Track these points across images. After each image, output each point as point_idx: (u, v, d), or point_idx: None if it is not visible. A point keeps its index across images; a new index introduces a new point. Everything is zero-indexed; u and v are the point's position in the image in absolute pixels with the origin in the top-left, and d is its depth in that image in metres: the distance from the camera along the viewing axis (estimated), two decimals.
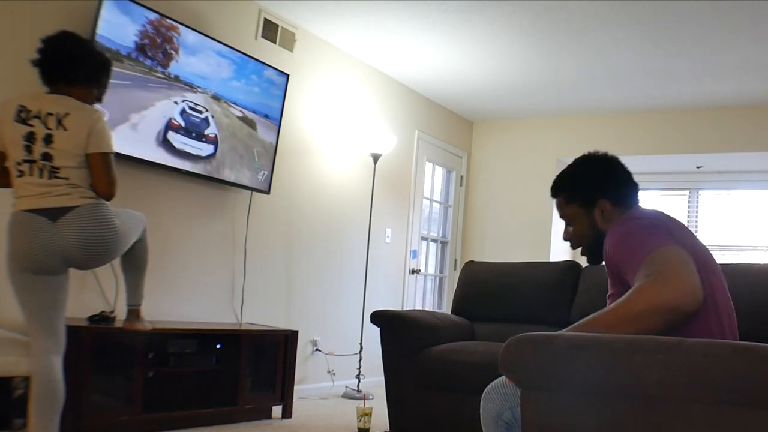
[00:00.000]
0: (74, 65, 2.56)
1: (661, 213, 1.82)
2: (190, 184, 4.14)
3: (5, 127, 2.50)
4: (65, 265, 2.55)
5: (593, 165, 1.95)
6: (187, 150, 3.93)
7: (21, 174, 2.49)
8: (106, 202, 2.59)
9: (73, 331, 3.10)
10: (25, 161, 2.48)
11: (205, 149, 4.06)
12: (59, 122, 2.48)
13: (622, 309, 1.55)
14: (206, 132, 4.05)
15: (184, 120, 3.90)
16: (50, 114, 2.49)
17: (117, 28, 3.54)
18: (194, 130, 3.97)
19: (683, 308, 1.51)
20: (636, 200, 1.93)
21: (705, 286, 1.59)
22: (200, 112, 4.01)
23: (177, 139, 3.87)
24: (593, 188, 1.90)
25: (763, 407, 1.21)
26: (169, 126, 3.83)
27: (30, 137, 2.47)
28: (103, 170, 2.52)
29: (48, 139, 2.47)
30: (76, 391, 3.08)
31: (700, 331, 1.60)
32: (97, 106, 2.67)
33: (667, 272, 1.54)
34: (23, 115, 2.49)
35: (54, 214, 2.47)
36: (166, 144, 3.82)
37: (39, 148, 2.47)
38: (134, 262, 2.87)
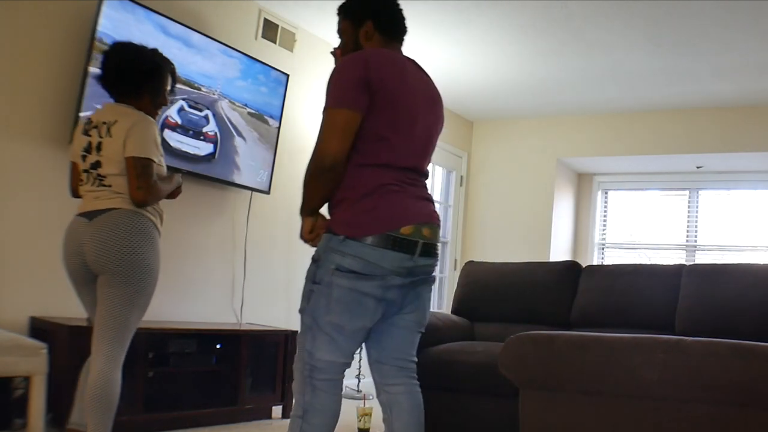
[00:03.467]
0: (120, 77, 2.60)
1: (378, 56, 2.05)
2: (190, 184, 4.13)
3: (75, 141, 2.63)
4: (86, 269, 2.51)
5: None
6: (184, 149, 3.93)
7: (82, 182, 2.61)
8: (148, 218, 2.54)
9: (73, 331, 3.11)
10: (84, 171, 2.58)
11: (204, 148, 4.05)
12: (108, 130, 2.53)
13: (306, 174, 2.02)
14: (205, 130, 4.04)
15: (181, 118, 3.90)
16: (104, 123, 2.55)
17: (118, 28, 3.54)
18: (192, 128, 3.97)
19: (323, 169, 1.97)
20: (398, 36, 2.22)
21: (380, 142, 2.00)
22: (200, 110, 4.01)
23: (173, 138, 3.87)
24: (364, 9, 2.18)
25: (763, 407, 1.21)
26: (165, 124, 3.83)
27: (88, 147, 2.56)
28: (134, 174, 2.47)
29: (99, 147, 2.53)
30: (76, 391, 3.08)
31: (365, 175, 2.01)
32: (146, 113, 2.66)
33: (319, 138, 1.98)
34: (86, 127, 2.60)
35: (93, 215, 2.51)
36: (161, 142, 3.81)
37: (92, 156, 2.54)
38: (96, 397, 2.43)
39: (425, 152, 2.20)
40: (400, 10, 2.23)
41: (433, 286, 2.23)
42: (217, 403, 3.72)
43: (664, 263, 4.72)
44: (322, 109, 2.01)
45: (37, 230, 3.40)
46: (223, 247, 4.40)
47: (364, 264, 1.95)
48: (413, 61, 2.19)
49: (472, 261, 4.46)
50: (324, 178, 1.99)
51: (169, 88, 2.75)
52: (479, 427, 3.36)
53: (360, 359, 5.16)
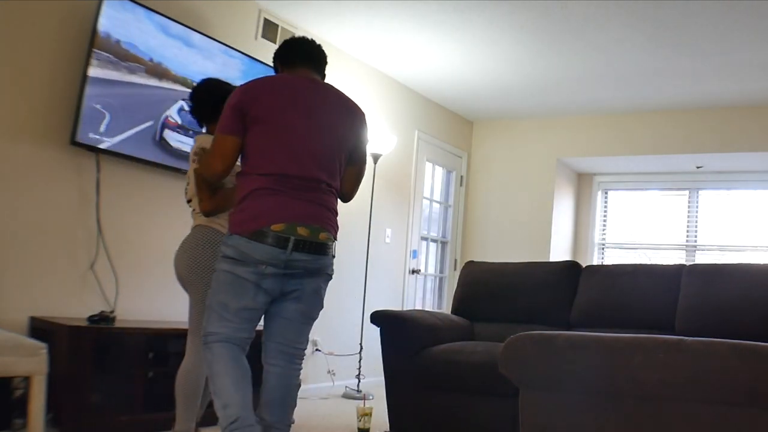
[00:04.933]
0: (205, 101, 2.95)
1: (256, 82, 2.42)
2: None
3: None
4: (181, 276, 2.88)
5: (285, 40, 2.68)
6: (184, 149, 3.93)
7: None
8: (218, 230, 2.77)
9: (73, 331, 3.11)
10: None
11: None
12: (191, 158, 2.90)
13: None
14: (205, 130, 4.04)
15: (181, 118, 3.90)
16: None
17: (118, 28, 3.54)
18: (192, 128, 3.97)
19: (207, 180, 2.57)
20: (296, 61, 2.58)
21: (258, 153, 2.35)
22: None
23: (173, 138, 3.87)
24: (274, 57, 2.65)
25: (763, 407, 1.21)
26: (165, 124, 3.83)
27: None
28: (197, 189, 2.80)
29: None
30: (76, 391, 3.08)
31: (245, 181, 2.37)
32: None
33: (208, 159, 2.44)
34: None
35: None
36: (162, 143, 3.82)
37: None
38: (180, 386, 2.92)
39: (320, 162, 2.41)
40: (300, 41, 2.62)
41: (324, 282, 2.52)
42: None
43: (664, 263, 4.72)
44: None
45: (37, 230, 3.40)
46: None
47: (238, 252, 2.30)
48: (314, 81, 2.50)
49: (472, 261, 4.47)
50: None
51: None
52: (479, 427, 3.36)
53: (360, 359, 5.16)
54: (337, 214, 2.53)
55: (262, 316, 2.46)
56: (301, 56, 2.58)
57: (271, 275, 2.32)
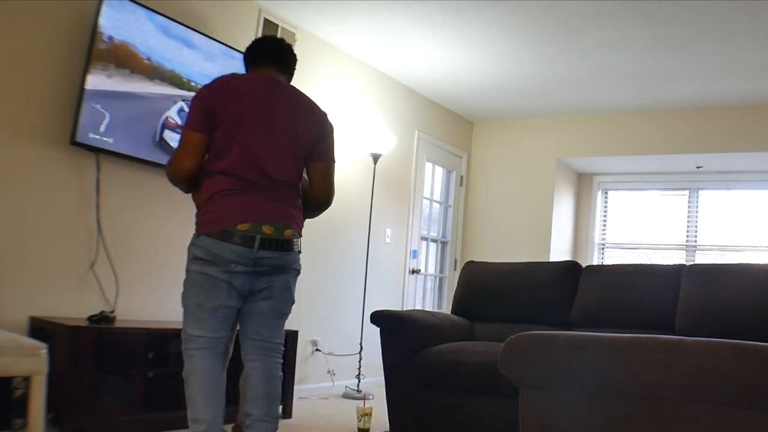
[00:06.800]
0: None
1: (222, 81, 2.48)
2: None
3: None
4: None
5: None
6: None
7: None
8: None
9: (73, 331, 3.11)
10: None
11: None
12: None
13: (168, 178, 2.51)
14: None
15: (181, 118, 3.90)
16: None
17: (118, 28, 3.54)
18: None
19: (175, 179, 2.46)
20: (259, 61, 2.63)
21: (222, 153, 2.40)
22: None
23: (173, 138, 3.87)
24: (245, 54, 2.71)
25: (763, 407, 1.21)
26: (165, 124, 3.83)
27: None
28: None
29: None
30: (76, 391, 3.08)
31: (210, 181, 2.42)
32: None
33: (175, 154, 2.43)
34: None
35: None
36: (162, 143, 3.82)
37: None
38: None
39: (280, 161, 2.46)
40: (266, 41, 2.70)
41: (292, 278, 2.54)
42: None
43: (664, 263, 4.72)
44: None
45: (37, 230, 3.40)
46: None
47: (208, 253, 2.36)
48: (276, 82, 2.55)
49: (472, 261, 4.47)
50: (180, 186, 2.50)
51: None
52: (479, 427, 3.36)
53: (360, 359, 5.16)
54: (300, 210, 2.57)
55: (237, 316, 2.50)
56: (267, 57, 2.64)
57: (240, 273, 2.38)
